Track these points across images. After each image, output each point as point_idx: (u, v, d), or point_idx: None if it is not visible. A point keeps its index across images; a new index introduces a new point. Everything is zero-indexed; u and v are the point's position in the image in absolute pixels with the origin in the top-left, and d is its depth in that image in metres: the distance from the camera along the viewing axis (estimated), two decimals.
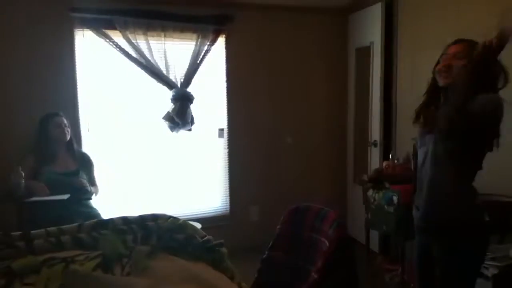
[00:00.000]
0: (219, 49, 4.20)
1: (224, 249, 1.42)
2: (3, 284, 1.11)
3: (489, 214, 2.64)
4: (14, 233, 1.29)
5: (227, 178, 4.38)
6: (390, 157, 3.79)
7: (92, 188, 3.38)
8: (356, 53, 4.45)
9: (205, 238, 1.44)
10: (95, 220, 1.40)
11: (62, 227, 1.37)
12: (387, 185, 3.42)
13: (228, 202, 4.41)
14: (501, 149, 2.92)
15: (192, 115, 3.96)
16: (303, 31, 4.47)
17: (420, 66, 3.65)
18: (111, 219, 1.39)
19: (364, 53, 4.24)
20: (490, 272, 2.43)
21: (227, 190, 4.40)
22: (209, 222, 4.09)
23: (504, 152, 2.97)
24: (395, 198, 3.39)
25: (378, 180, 3.42)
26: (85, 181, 3.29)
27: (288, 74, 4.47)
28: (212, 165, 4.36)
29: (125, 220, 1.40)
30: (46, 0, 3.55)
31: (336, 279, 2.22)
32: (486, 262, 2.45)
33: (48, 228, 1.35)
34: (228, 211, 4.41)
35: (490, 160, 3.00)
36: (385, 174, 3.41)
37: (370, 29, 4.09)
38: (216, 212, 4.39)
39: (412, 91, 3.77)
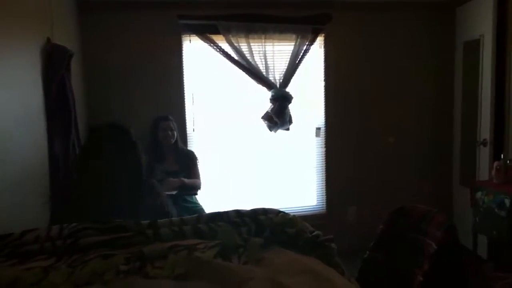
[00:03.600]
0: (317, 48, 4.23)
1: (333, 245, 1.45)
2: (138, 266, 1.24)
3: None
4: (143, 221, 1.43)
5: (324, 177, 4.39)
6: (502, 157, 3.54)
7: (197, 181, 3.62)
8: (464, 47, 4.20)
9: (315, 233, 1.48)
10: (212, 212, 1.51)
11: (183, 217, 1.49)
12: None
13: (325, 201, 4.41)
14: None
15: (290, 115, 4.04)
16: (404, 27, 4.33)
17: None
18: (226, 212, 1.49)
19: (473, 47, 4.00)
20: None
21: (324, 189, 4.41)
22: (305, 220, 4.11)
23: None
24: (507, 201, 3.17)
25: None
26: (177, 182, 3.47)
27: (389, 71, 4.36)
28: (309, 164, 4.40)
29: (238, 213, 1.49)
30: (156, 8, 3.84)
31: (443, 284, 2.14)
32: None
33: (172, 218, 1.49)
34: (325, 211, 4.41)
35: None
36: None
37: (480, 21, 3.84)
38: (313, 211, 4.42)
39: None
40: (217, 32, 3.93)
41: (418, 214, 2.47)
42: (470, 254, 3.69)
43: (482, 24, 3.82)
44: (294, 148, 4.35)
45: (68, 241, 1.31)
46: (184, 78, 4.01)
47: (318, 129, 4.33)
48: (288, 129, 4.09)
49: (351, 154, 4.37)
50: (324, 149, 4.36)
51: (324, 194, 4.42)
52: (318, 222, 4.24)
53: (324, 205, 4.42)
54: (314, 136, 4.35)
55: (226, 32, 3.93)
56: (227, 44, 3.96)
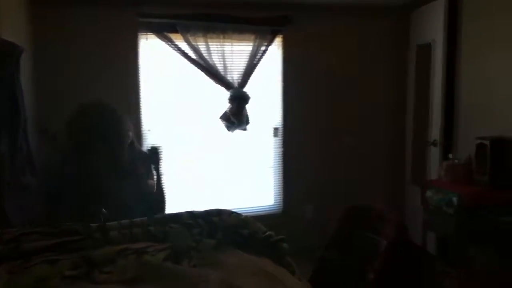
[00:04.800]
0: (275, 49, 4.26)
1: (285, 245, 1.47)
2: (85, 271, 1.21)
3: None
4: (92, 224, 1.40)
5: (281, 176, 4.43)
6: (450, 157, 3.69)
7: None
8: (417, 51, 4.34)
9: (267, 233, 1.49)
10: (164, 214, 1.49)
11: (133, 220, 1.47)
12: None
13: (282, 200, 4.45)
14: None
15: (247, 115, 4.05)
16: (361, 29, 4.42)
17: (486, 65, 3.52)
18: (179, 214, 1.48)
19: (426, 51, 4.14)
20: None
21: (281, 188, 4.45)
22: (262, 220, 4.14)
23: None
24: (454, 200, 3.29)
25: None
26: None
27: (346, 73, 4.44)
28: (267, 163, 4.43)
29: (191, 214, 1.48)
30: (113, 5, 3.75)
31: (394, 281, 2.20)
32: None
33: (121, 221, 1.46)
34: (282, 210, 4.45)
35: None
36: None
37: (432, 26, 3.98)
38: (270, 210, 4.45)
39: (477, 91, 3.65)
40: (175, 31, 3.89)
41: (371, 213, 2.54)
42: (421, 251, 3.81)
43: (433, 29, 3.96)
44: (252, 148, 4.36)
45: (10, 246, 1.26)
46: (140, 77, 3.94)
47: (275, 129, 4.37)
48: (245, 129, 4.11)
49: (308, 154, 4.43)
50: (281, 149, 4.40)
51: (282, 193, 4.46)
52: (275, 222, 4.24)
53: (281, 205, 4.46)
54: (272, 136, 4.38)
55: (184, 31, 3.89)
56: (185, 43, 3.92)
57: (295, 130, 4.36)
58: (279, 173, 4.43)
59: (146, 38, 3.93)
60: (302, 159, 4.41)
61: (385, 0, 4.26)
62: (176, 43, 3.93)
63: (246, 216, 1.55)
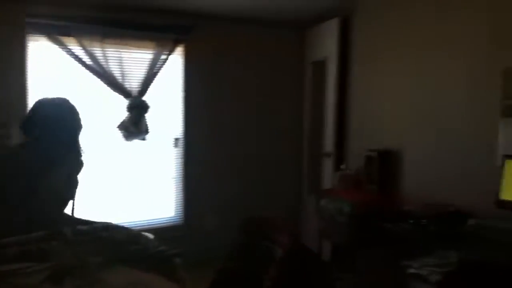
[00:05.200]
0: (177, 59, 4.20)
1: (178, 260, 1.43)
2: None
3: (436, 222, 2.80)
4: None
5: (182, 188, 4.36)
6: (341, 168, 3.91)
7: None
8: (312, 67, 4.56)
9: (160, 248, 1.44)
10: (44, 231, 1.37)
11: (8, 238, 1.33)
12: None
13: (183, 212, 4.38)
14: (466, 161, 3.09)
15: (146, 124, 3.93)
16: (261, 43, 4.54)
17: (376, 81, 3.80)
18: (61, 230, 1.37)
19: (320, 67, 4.36)
20: (434, 278, 2.54)
21: (183, 200, 4.37)
22: (163, 233, 4.04)
23: (446, 164, 3.15)
24: (346, 208, 3.49)
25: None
26: None
27: (246, 86, 4.53)
28: (167, 175, 4.33)
29: (76, 231, 1.38)
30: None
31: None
32: (431, 268, 2.57)
33: None
34: (183, 222, 4.38)
35: (439, 171, 3.18)
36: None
37: (326, 44, 4.22)
38: (171, 222, 4.36)
39: (366, 106, 3.92)
40: (69, 34, 3.67)
41: (268, 223, 2.59)
42: (315, 258, 3.96)
43: (327, 47, 4.20)
44: (153, 159, 4.23)
45: None
46: (28, 81, 3.63)
47: (176, 139, 4.30)
48: (144, 139, 3.98)
49: (210, 165, 4.42)
50: (183, 159, 4.33)
51: (183, 205, 4.38)
52: (176, 234, 4.20)
53: (183, 216, 4.38)
54: (173, 147, 4.30)
55: (79, 35, 3.68)
56: (80, 48, 3.71)
57: (197, 140, 4.33)
58: (180, 184, 4.35)
59: (37, 41, 3.65)
60: (204, 169, 4.38)
61: (284, 17, 4.42)
62: (70, 47, 3.70)
63: (138, 232, 1.49)
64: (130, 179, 4.15)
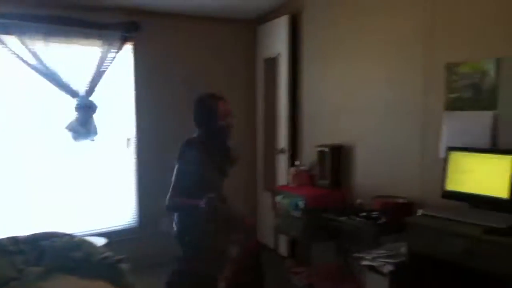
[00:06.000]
0: (126, 56, 4.09)
1: (124, 265, 1.39)
2: None
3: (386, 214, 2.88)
4: None
5: (136, 189, 4.26)
6: (295, 164, 3.95)
7: None
8: (264, 63, 4.57)
9: (104, 254, 1.39)
10: None
11: None
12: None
13: (137, 214, 4.28)
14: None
15: (95, 125, 3.81)
16: (212, 40, 4.50)
17: (325, 77, 3.86)
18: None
19: (272, 63, 4.38)
20: (386, 268, 2.61)
21: (137, 201, 4.28)
22: (116, 236, 3.96)
23: (394, 158, 3.25)
24: (300, 203, 3.53)
25: None
26: None
27: (198, 83, 4.45)
28: (120, 176, 4.22)
29: (14, 240, 1.31)
30: None
31: (245, 285, 2.26)
32: (383, 260, 2.64)
33: None
34: (138, 224, 4.28)
35: (388, 165, 3.27)
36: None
37: (277, 40, 4.24)
38: (125, 225, 4.25)
39: (317, 102, 3.97)
40: (10, 32, 3.49)
41: (220, 219, 2.57)
42: (272, 253, 4.00)
43: (278, 44, 4.22)
44: (104, 160, 4.11)
45: None
46: None
47: (128, 139, 4.19)
48: (93, 140, 3.86)
49: (162, 165, 4.30)
50: (135, 160, 4.23)
51: (137, 207, 4.28)
52: (131, 237, 4.11)
53: (137, 218, 4.29)
54: (125, 147, 4.19)
55: (20, 33, 3.51)
56: (23, 47, 3.54)
57: (149, 140, 4.24)
58: (133, 186, 4.25)
59: None
60: (157, 170, 4.28)
61: (235, 14, 4.41)
62: (11, 46, 3.52)
63: (81, 238, 1.43)
64: (83, 182, 4.01)
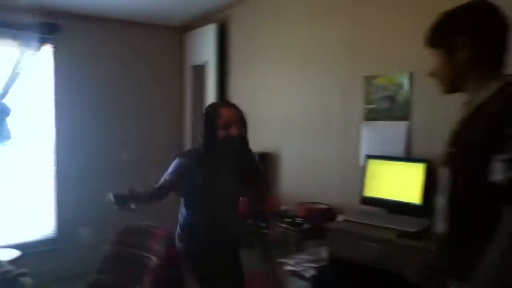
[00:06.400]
0: (46, 59, 3.88)
1: (27, 279, 1.30)
2: None
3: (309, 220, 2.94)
4: None
5: (55, 198, 4.03)
6: None
7: None
8: (193, 70, 4.53)
9: (5, 269, 1.29)
10: None
11: None
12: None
13: (56, 224, 4.04)
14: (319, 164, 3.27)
15: (8, 129, 3.57)
16: (138, 46, 4.40)
17: (251, 85, 3.89)
18: None
19: (201, 71, 4.36)
20: (308, 273, 2.67)
21: (55, 211, 4.04)
22: (33, 247, 3.72)
23: (317, 165, 3.35)
24: None
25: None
26: None
27: (123, 88, 4.34)
28: (38, 184, 3.97)
29: None
30: None
31: None
32: (305, 264, 2.70)
33: None
34: (56, 235, 4.04)
35: (311, 172, 3.35)
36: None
37: (205, 48, 4.22)
38: (43, 236, 4.00)
39: (244, 108, 3.97)
40: None
41: (141, 231, 2.50)
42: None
43: (206, 51, 4.20)
44: (20, 167, 3.85)
45: None
46: None
47: (48, 145, 3.97)
48: (5, 144, 3.60)
49: (82, 172, 4.13)
50: (55, 168, 4.00)
51: (56, 216, 4.04)
52: (47, 248, 3.87)
53: (56, 229, 4.05)
54: (43, 153, 3.96)
55: None
56: None
57: (70, 146, 4.04)
58: (52, 194, 4.01)
59: None
60: (77, 177, 4.09)
61: (160, 20, 4.35)
62: None
63: None
64: None
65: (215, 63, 4.09)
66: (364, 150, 2.91)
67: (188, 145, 4.64)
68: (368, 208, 2.77)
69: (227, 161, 2.30)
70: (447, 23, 1.38)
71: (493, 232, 1.11)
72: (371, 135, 2.91)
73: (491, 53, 1.33)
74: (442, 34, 1.38)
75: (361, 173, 2.82)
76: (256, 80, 3.85)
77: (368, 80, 2.91)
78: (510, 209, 1.12)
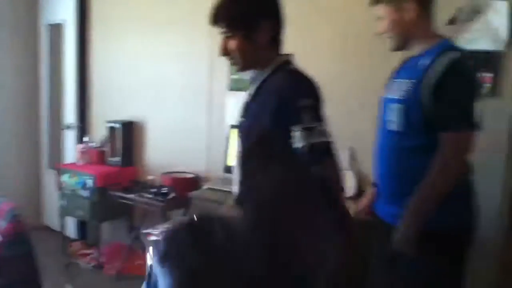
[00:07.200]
0: None
1: None
2: None
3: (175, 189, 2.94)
4: None
5: None
6: (85, 140, 3.73)
7: None
8: (50, 30, 4.10)
9: None
10: None
11: None
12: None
13: None
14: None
15: None
16: None
17: (115, 50, 3.69)
18: None
19: (58, 30, 3.99)
20: None
21: None
22: None
23: (183, 135, 3.35)
24: (89, 182, 3.37)
25: None
26: None
27: None
28: None
29: None
30: None
31: (11, 277, 2.03)
32: None
33: None
34: None
35: (177, 142, 3.34)
36: None
37: (62, 6, 3.86)
38: None
39: (107, 74, 3.78)
40: None
41: None
42: (59, 236, 3.75)
43: (64, 9, 3.85)
44: None
45: None
46: None
47: None
48: None
49: None
50: None
51: None
52: None
53: None
54: None
55: None
56: None
57: None
58: None
59: None
60: None
61: None
62: None
63: None
64: None
65: (74, 22, 3.77)
66: (228, 120, 2.97)
67: (45, 111, 4.26)
68: (231, 176, 2.86)
69: None
70: None
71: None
72: (236, 105, 2.97)
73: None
74: None
75: (226, 142, 2.88)
76: (121, 45, 3.64)
77: None
78: (316, 167, 1.24)
